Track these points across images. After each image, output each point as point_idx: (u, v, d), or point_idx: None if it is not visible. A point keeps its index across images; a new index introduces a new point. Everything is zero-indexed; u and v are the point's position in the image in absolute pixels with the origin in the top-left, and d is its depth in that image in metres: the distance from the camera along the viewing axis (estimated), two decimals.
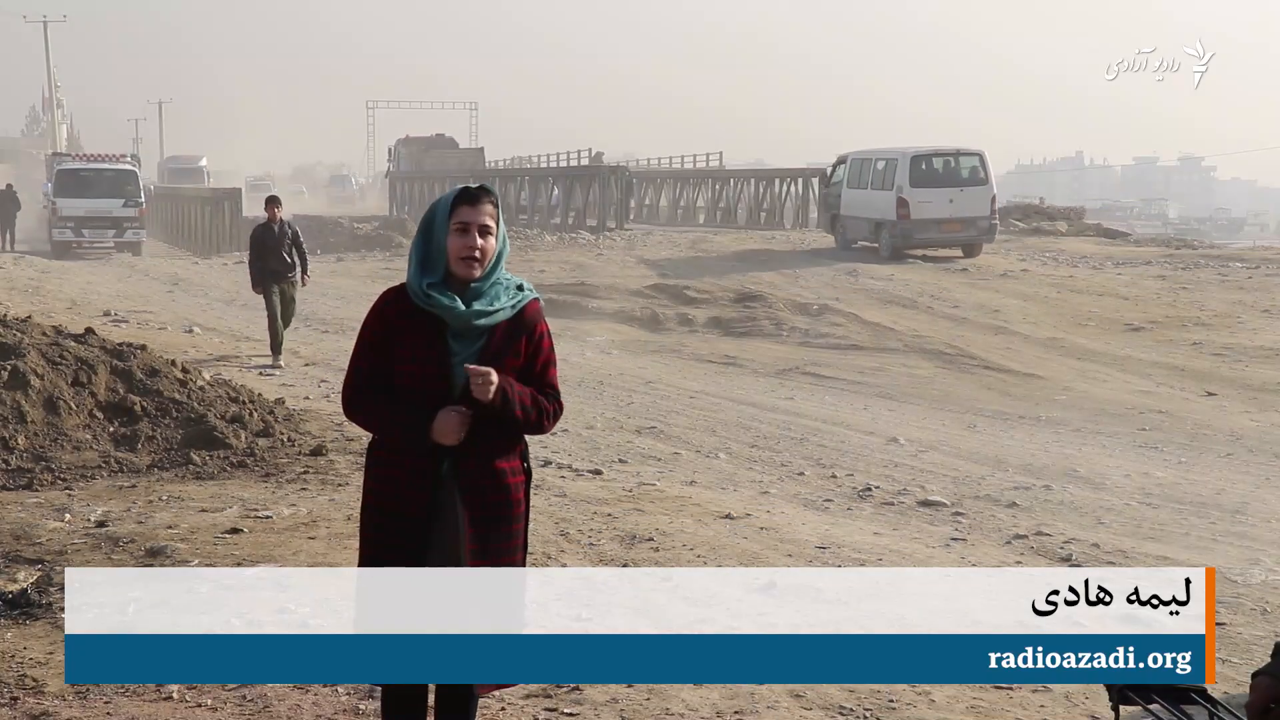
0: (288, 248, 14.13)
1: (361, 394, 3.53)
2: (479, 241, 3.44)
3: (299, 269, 14.35)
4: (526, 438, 3.60)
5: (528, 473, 3.63)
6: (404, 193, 47.74)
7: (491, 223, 3.47)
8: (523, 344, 3.52)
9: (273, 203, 14.24)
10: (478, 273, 3.45)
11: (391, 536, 3.48)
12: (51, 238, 31.94)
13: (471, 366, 3.38)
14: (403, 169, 49.75)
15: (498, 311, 3.47)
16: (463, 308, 3.43)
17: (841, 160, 26.46)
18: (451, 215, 3.46)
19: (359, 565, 3.59)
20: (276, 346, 14.13)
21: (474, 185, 3.54)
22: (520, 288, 3.54)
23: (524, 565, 3.67)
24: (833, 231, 26.07)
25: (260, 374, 13.26)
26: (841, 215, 25.38)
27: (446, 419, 3.39)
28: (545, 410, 3.55)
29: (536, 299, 3.59)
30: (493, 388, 3.38)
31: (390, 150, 53.47)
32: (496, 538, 3.50)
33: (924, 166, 23.73)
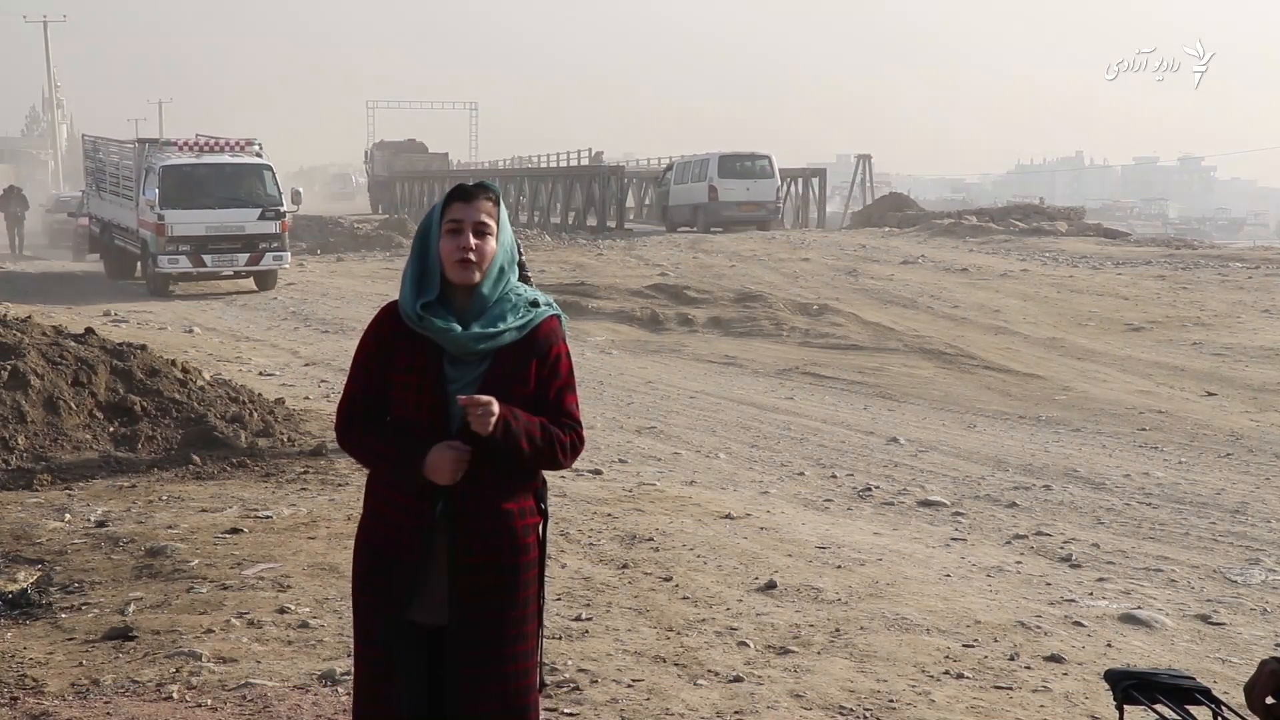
0: None
1: (354, 423, 3.13)
2: (473, 241, 3.00)
3: None
4: (545, 475, 3.20)
5: (544, 514, 3.16)
6: (378, 191, 51.71)
7: (490, 221, 3.04)
8: (533, 369, 3.05)
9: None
10: (475, 276, 3.01)
11: (380, 577, 3.07)
12: (155, 267, 21.63)
13: (466, 397, 2.93)
14: (377, 171, 52.98)
15: (501, 334, 3.01)
16: (459, 330, 2.99)
17: (670, 166, 35.04)
18: (444, 215, 3.05)
19: (353, 600, 3.23)
20: None
21: (472, 183, 3.12)
22: (535, 303, 3.09)
23: (537, 626, 3.18)
24: (664, 219, 33.62)
25: (260, 374, 13.26)
26: (670, 205, 33.18)
27: (440, 456, 2.95)
28: (559, 442, 3.06)
29: (555, 315, 3.12)
30: (493, 419, 2.92)
31: (367, 153, 57.32)
32: (493, 589, 3.04)
33: (729, 163, 31.39)
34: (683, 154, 35.36)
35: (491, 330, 3.01)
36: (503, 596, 3.05)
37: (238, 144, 22.78)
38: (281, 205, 22.25)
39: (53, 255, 33.97)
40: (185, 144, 22.45)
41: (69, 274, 27.01)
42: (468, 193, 3.07)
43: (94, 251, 26.72)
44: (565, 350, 3.13)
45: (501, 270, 3.07)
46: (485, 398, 2.93)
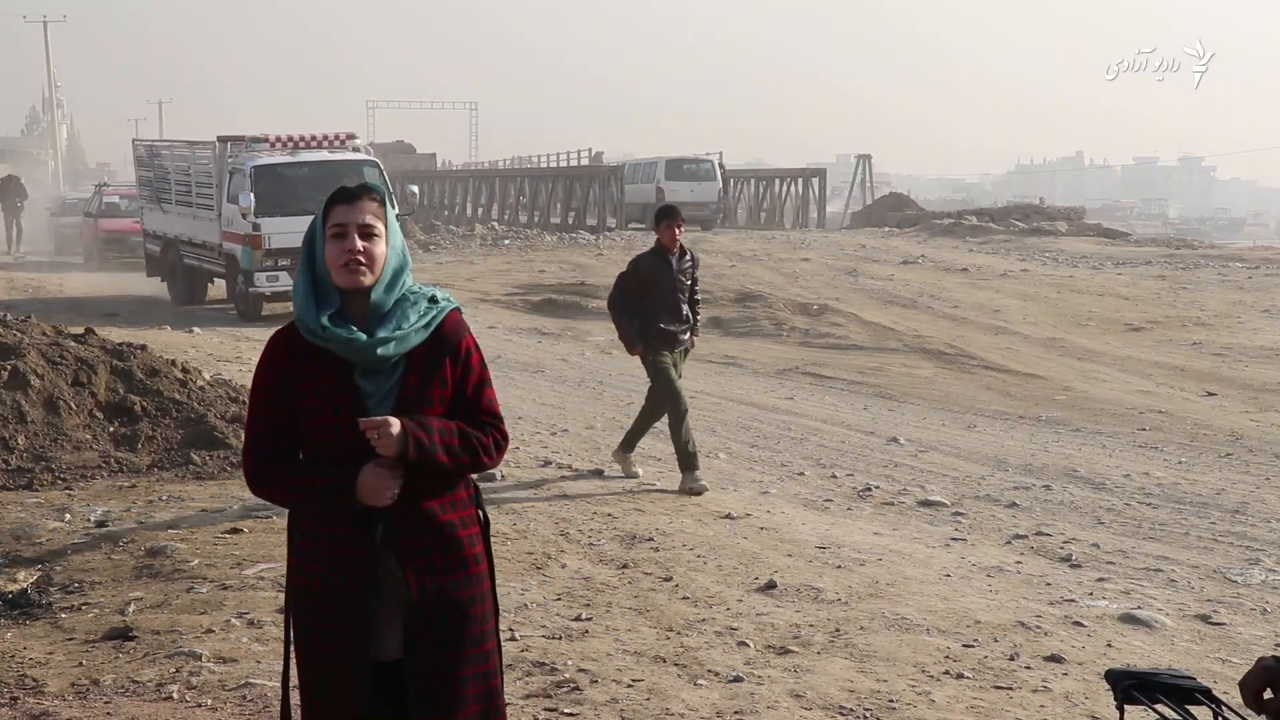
0: (685, 292, 8.75)
1: (265, 464, 2.90)
2: (359, 244, 2.83)
3: (691, 325, 8.83)
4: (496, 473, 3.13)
5: (482, 521, 3.01)
6: None
7: (376, 223, 2.88)
8: (447, 368, 2.91)
9: (672, 218, 8.63)
10: (365, 279, 2.84)
11: (327, 622, 2.85)
12: (250, 286, 18.24)
13: (363, 420, 2.77)
14: None
15: (407, 335, 2.85)
16: (363, 338, 2.82)
17: (621, 166, 38.44)
18: (327, 220, 2.88)
19: (291, 656, 2.98)
20: (693, 463, 8.54)
21: (353, 185, 2.96)
22: (434, 300, 2.93)
23: (495, 640, 3.00)
24: (616, 216, 35.65)
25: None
26: (623, 203, 35.50)
27: (373, 476, 2.79)
28: (480, 445, 2.92)
29: (456, 309, 2.98)
30: (393, 439, 2.76)
31: None
32: (448, 610, 2.88)
33: (675, 166, 34.85)
34: (684, 154, 35.79)
35: (398, 333, 2.84)
36: (459, 615, 2.88)
37: (335, 138, 19.47)
38: (395, 208, 19.19)
39: (58, 263, 30.38)
40: (277, 140, 19.17)
41: (133, 297, 21.77)
42: (350, 194, 2.90)
43: (154, 274, 22.65)
44: (474, 343, 2.99)
45: (396, 274, 2.90)
46: (380, 419, 2.78)
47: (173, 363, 10.02)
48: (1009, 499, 8.72)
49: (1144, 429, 11.54)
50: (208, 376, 10.41)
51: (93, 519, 7.33)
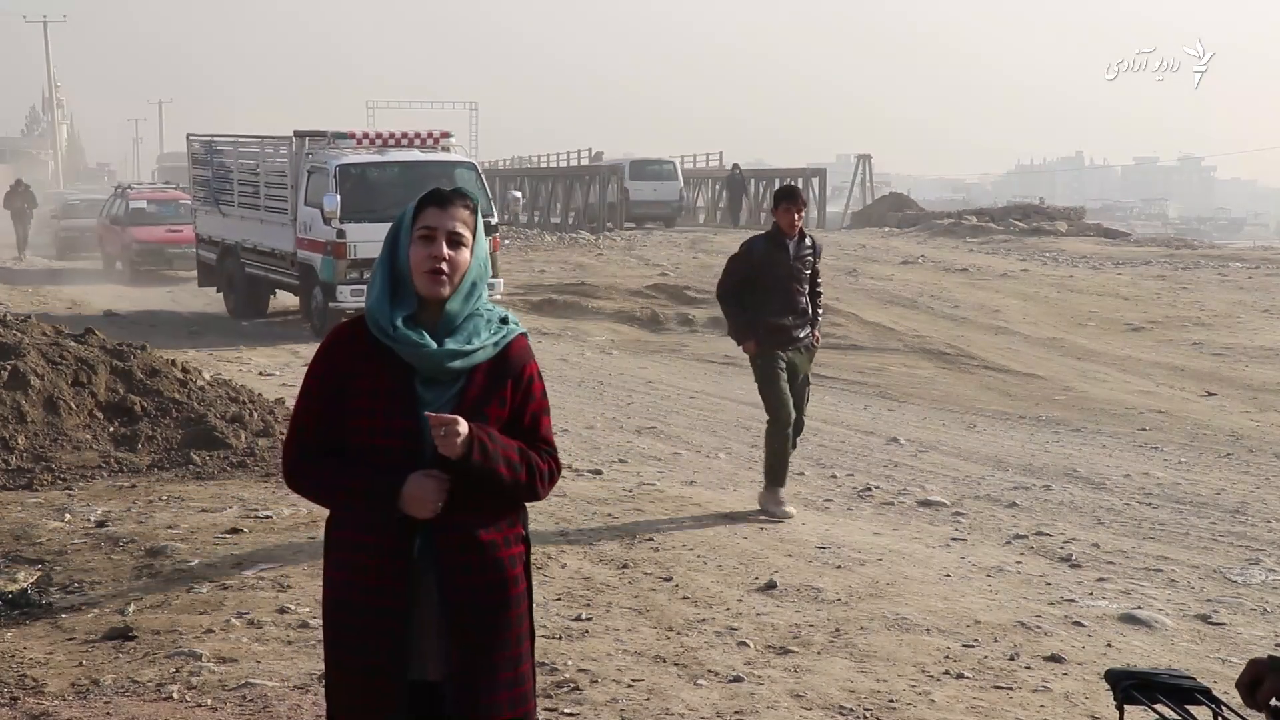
0: (804, 282, 7.94)
1: (307, 459, 2.84)
2: (446, 251, 2.76)
3: (812, 320, 8.04)
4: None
5: (527, 541, 2.94)
6: None
7: (465, 231, 2.81)
8: (508, 390, 2.85)
9: (791, 201, 7.80)
10: (445, 290, 2.77)
11: (362, 636, 2.78)
12: (334, 301, 16.16)
13: (433, 415, 2.69)
14: None
15: (476, 351, 2.79)
16: (433, 346, 2.76)
17: (597, 167, 40.45)
18: (416, 221, 2.81)
19: (325, 672, 2.95)
20: (780, 477, 7.90)
21: (448, 188, 2.88)
22: (504, 320, 2.89)
23: (530, 662, 2.94)
24: (585, 214, 37.18)
25: (260, 374, 13.25)
26: (591, 202, 37.42)
27: (419, 485, 2.71)
28: (538, 469, 2.86)
29: (523, 334, 2.93)
30: (460, 439, 2.68)
31: None
32: (490, 629, 2.81)
33: (639, 168, 36.62)
34: (684, 155, 35.95)
35: (467, 347, 2.78)
36: (496, 637, 2.82)
37: (429, 137, 17.69)
38: (492, 215, 17.16)
39: (65, 267, 28.15)
40: (364, 137, 17.39)
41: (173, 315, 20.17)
42: (443, 198, 2.82)
43: (207, 284, 20.80)
44: (537, 371, 2.94)
45: (474, 285, 2.83)
46: (450, 416, 2.69)
47: (173, 363, 10.01)
48: (1009, 499, 8.72)
49: (1144, 429, 11.54)
50: (208, 376, 10.41)
51: (93, 519, 7.33)
